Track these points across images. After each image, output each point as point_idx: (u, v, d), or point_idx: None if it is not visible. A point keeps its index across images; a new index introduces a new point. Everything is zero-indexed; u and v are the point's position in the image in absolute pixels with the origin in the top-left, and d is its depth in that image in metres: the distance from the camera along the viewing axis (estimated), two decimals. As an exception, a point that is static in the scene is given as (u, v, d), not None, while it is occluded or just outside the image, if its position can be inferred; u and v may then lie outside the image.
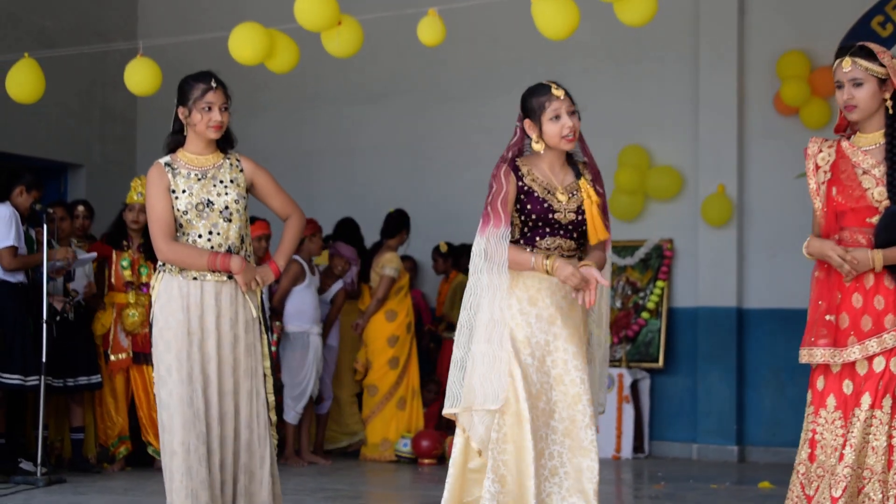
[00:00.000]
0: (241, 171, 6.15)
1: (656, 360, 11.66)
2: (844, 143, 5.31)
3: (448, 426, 11.46)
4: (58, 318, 9.39)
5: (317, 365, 10.80)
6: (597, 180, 5.72)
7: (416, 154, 12.78)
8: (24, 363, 9.12)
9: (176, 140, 6.13)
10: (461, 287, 11.88)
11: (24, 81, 9.37)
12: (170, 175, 6.01)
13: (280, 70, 8.86)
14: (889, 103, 5.21)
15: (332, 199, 12.87)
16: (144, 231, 9.59)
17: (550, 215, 5.59)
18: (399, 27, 10.59)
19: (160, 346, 5.95)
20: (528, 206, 5.59)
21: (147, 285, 9.66)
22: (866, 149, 5.26)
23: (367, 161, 12.96)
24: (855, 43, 5.34)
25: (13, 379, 9.11)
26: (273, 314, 10.76)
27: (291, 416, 10.69)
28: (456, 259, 11.86)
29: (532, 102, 5.64)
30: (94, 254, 9.75)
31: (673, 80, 11.78)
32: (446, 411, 5.51)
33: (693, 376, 11.66)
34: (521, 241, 5.58)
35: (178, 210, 5.99)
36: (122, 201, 10.07)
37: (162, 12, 13.52)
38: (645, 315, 11.73)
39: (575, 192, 5.64)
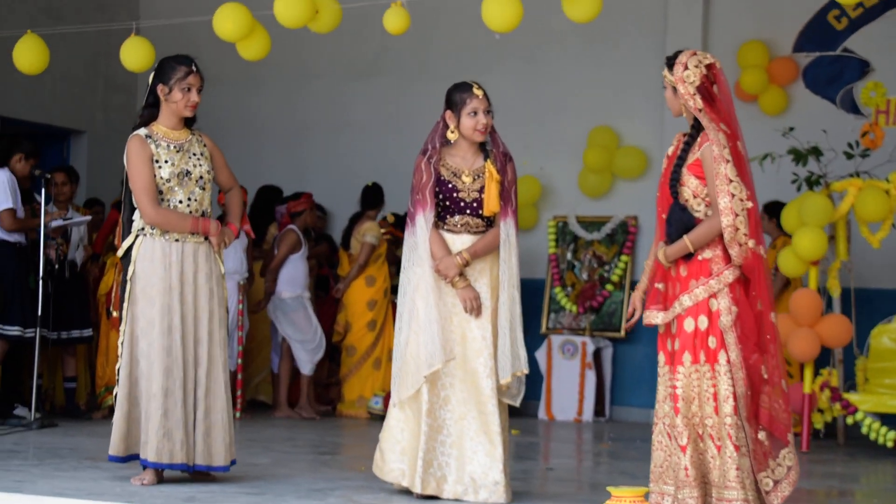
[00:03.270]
0: (205, 146, 6.96)
1: (619, 330, 12.35)
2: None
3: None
4: (58, 270, 10.13)
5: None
6: (505, 167, 6.59)
7: (401, 130, 13.42)
8: (23, 316, 9.86)
9: (151, 114, 6.89)
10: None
11: (29, 55, 10.04)
12: (152, 146, 6.78)
13: (252, 57, 9.52)
14: (683, 111, 6.01)
15: (322, 172, 13.54)
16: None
17: (455, 194, 6.54)
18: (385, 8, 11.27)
19: (142, 302, 6.75)
20: (438, 188, 6.54)
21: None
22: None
23: (356, 135, 13.61)
24: (680, 50, 6.14)
25: (13, 331, 9.86)
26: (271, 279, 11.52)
27: (308, 368, 11.51)
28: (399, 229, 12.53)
29: (455, 97, 6.59)
30: (88, 216, 10.51)
31: (641, 66, 12.39)
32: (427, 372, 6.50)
33: (653, 346, 12.24)
34: (436, 220, 6.52)
35: (161, 178, 6.77)
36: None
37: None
38: (609, 287, 12.43)
39: (481, 175, 6.56)
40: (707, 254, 5.91)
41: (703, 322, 5.85)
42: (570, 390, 12.12)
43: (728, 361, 5.81)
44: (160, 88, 6.85)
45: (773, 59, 11.92)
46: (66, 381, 10.61)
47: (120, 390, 6.80)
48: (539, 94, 12.88)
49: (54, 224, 10.05)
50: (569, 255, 12.64)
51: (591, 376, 12.14)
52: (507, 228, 6.64)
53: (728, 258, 5.90)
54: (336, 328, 11.98)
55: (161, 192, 6.79)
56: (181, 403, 6.72)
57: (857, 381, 10.38)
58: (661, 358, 6.09)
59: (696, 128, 6.02)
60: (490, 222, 6.69)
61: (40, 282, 9.76)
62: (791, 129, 10.64)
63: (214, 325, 6.88)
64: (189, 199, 6.84)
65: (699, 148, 5.95)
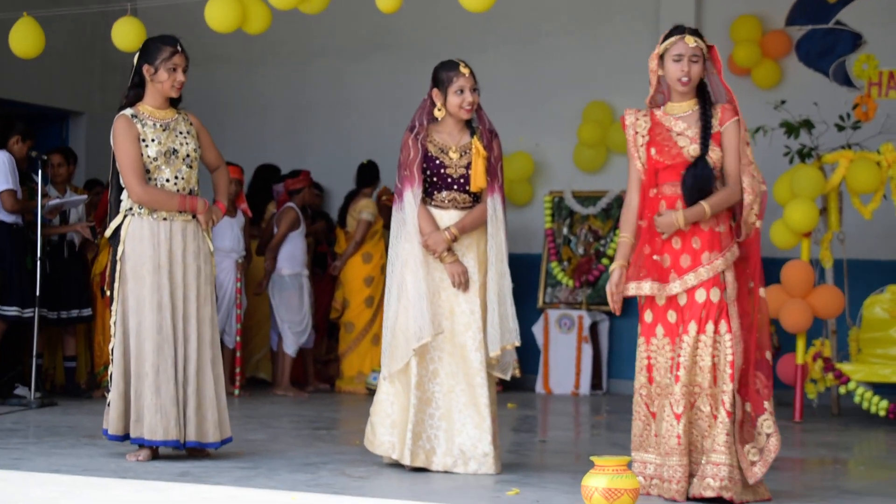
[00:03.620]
0: (191, 124, 7.04)
1: (615, 304, 12.41)
2: (658, 112, 6.24)
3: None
4: (62, 250, 10.32)
5: (311, 302, 11.69)
6: (491, 143, 6.70)
7: (399, 108, 13.42)
8: (21, 296, 9.95)
9: (136, 94, 6.98)
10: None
11: (25, 38, 10.04)
12: (138, 125, 6.86)
13: (255, 31, 9.57)
14: (704, 75, 6.15)
15: (322, 150, 13.62)
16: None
17: (443, 170, 6.67)
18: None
19: (132, 281, 6.85)
20: (425, 165, 6.66)
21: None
22: (679, 115, 6.17)
23: (355, 114, 13.67)
24: (685, 25, 6.25)
25: (11, 311, 9.95)
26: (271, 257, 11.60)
27: (292, 349, 11.54)
28: None
29: (442, 75, 6.71)
30: (85, 196, 10.61)
31: (635, 41, 12.44)
32: (416, 345, 6.64)
33: (650, 319, 12.40)
34: (423, 195, 6.63)
35: (148, 157, 6.85)
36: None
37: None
38: (605, 261, 12.50)
39: (467, 151, 6.68)
40: (722, 227, 6.11)
41: (716, 294, 6.01)
42: (566, 364, 12.22)
43: (729, 331, 5.96)
44: (146, 69, 6.94)
45: (766, 33, 11.98)
46: (67, 360, 10.71)
47: (115, 369, 6.91)
48: (534, 70, 12.94)
49: (51, 204, 10.15)
50: (565, 230, 12.72)
51: (587, 350, 12.23)
52: (493, 204, 6.74)
53: (733, 233, 6.09)
54: (334, 305, 12.08)
55: (148, 171, 6.87)
56: (172, 380, 6.82)
57: (850, 351, 10.49)
58: (639, 329, 6.19)
59: (702, 103, 6.12)
60: (477, 198, 6.79)
61: (38, 262, 9.85)
62: (783, 102, 10.72)
63: (202, 302, 6.97)
64: (176, 177, 6.92)
65: (721, 124, 6.09)
